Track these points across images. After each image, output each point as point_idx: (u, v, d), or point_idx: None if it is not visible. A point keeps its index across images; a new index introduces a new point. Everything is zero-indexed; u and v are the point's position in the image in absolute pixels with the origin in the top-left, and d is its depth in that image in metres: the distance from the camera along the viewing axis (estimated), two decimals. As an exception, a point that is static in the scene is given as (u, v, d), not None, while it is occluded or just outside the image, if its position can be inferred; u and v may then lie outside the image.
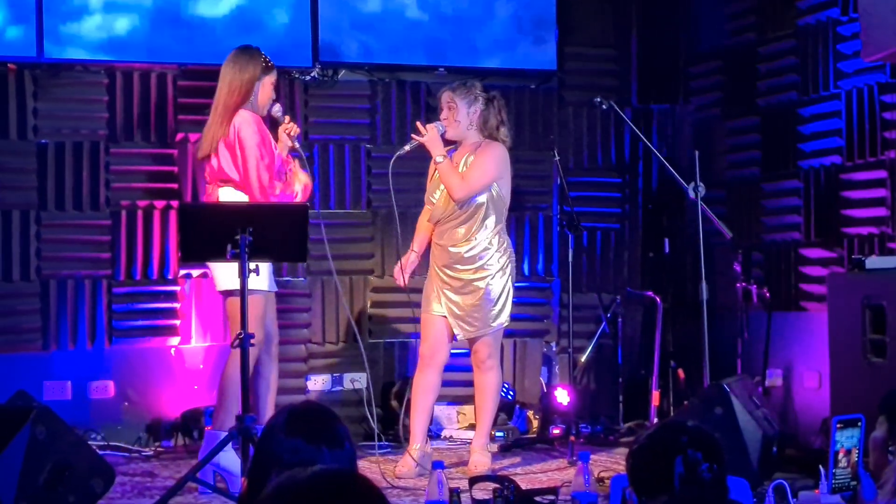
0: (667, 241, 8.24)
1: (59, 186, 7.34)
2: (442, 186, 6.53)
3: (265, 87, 6.19)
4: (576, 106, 8.35)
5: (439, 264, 6.53)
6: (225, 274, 5.95)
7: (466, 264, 6.45)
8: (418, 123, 6.52)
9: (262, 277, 5.86)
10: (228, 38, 7.20)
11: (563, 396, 7.44)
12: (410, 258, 6.69)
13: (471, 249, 6.45)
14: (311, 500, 2.10)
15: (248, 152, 5.99)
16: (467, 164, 6.49)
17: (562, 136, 8.24)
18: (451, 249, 6.48)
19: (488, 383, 6.55)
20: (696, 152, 6.86)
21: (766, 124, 7.73)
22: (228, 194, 6.06)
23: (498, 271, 6.46)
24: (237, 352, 5.85)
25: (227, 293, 6.03)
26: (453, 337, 6.52)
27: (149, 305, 7.51)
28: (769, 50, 7.70)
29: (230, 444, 5.88)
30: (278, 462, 2.84)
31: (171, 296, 7.50)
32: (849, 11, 6.98)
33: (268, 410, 6.12)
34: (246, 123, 6.03)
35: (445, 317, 6.49)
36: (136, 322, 7.49)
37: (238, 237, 5.34)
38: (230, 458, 5.84)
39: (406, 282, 6.57)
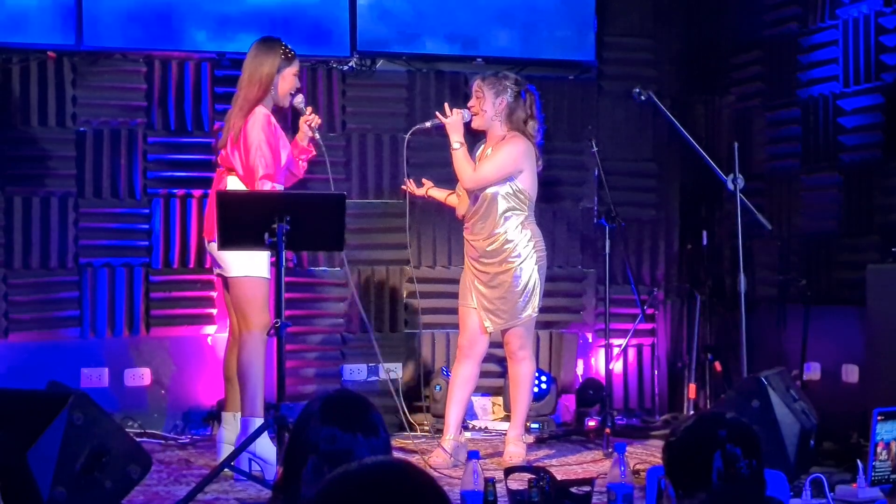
0: (705, 233, 8.19)
1: (97, 174, 7.37)
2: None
3: (286, 79, 6.20)
4: (614, 97, 8.31)
5: (470, 257, 6.54)
6: (237, 259, 5.98)
7: (490, 258, 6.45)
8: (446, 105, 6.51)
9: (262, 263, 5.91)
10: (266, 28, 7.21)
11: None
12: (427, 186, 6.81)
13: (493, 243, 6.44)
14: (368, 491, 2.09)
15: (252, 150, 6.01)
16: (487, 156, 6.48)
17: (600, 127, 8.19)
18: (476, 244, 6.47)
19: (522, 374, 6.54)
20: (736, 144, 6.82)
21: (806, 116, 7.67)
22: (235, 183, 6.09)
23: (523, 263, 6.42)
24: (255, 338, 5.96)
25: (236, 278, 6.06)
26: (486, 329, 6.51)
27: (186, 294, 7.53)
28: (810, 41, 7.63)
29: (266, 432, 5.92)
30: (314, 450, 2.83)
31: (208, 284, 7.51)
32: (892, 3, 6.92)
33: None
34: (256, 122, 6.04)
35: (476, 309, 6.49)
36: (172, 310, 7.51)
37: (275, 225, 5.36)
38: (266, 446, 5.86)
39: (414, 189, 6.79)
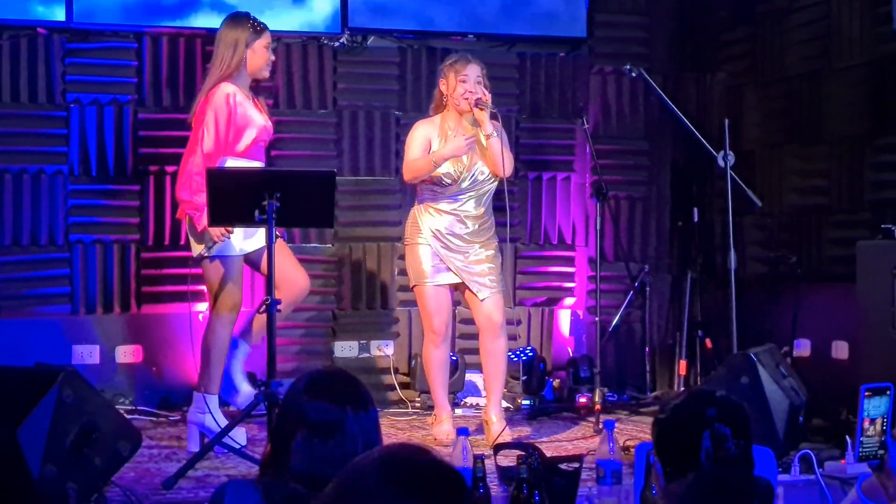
0: (696, 210, 8.19)
1: (88, 151, 7.35)
2: (464, 160, 6.32)
3: (256, 52, 6.07)
4: (605, 73, 8.30)
5: (451, 233, 6.33)
6: (199, 240, 5.99)
7: (484, 230, 6.37)
8: (483, 89, 6.34)
9: (231, 242, 5.95)
10: (257, 4, 7.18)
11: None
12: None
13: (482, 220, 6.35)
14: (390, 477, 2.06)
15: (201, 127, 5.97)
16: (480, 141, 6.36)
17: (591, 104, 8.19)
18: (466, 218, 6.35)
19: (502, 348, 6.42)
20: (726, 120, 6.82)
21: (796, 92, 7.67)
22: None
23: (496, 238, 6.44)
24: (221, 320, 6.05)
25: (201, 258, 6.07)
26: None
27: (177, 271, 7.51)
28: (800, 17, 7.63)
29: (213, 405, 6.03)
30: (304, 422, 2.84)
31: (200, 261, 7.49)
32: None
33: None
34: (212, 100, 5.95)
35: (449, 286, 6.38)
36: (164, 287, 7.50)
37: (265, 203, 5.36)
38: (213, 421, 5.94)
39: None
